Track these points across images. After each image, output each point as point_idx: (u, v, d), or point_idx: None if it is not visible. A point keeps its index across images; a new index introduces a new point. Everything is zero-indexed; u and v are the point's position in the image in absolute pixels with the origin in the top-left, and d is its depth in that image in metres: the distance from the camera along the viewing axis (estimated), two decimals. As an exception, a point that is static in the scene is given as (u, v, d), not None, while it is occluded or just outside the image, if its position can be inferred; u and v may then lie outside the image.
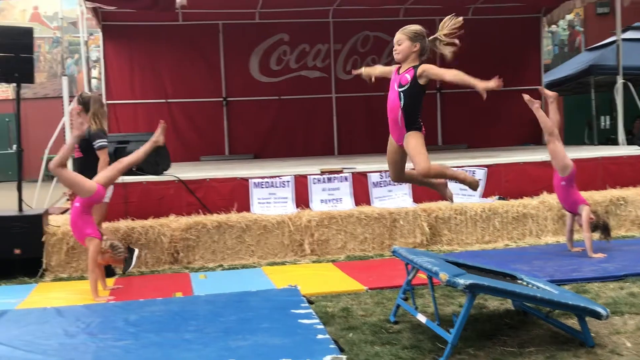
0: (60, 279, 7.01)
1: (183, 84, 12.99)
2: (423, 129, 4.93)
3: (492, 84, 4.49)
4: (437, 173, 5.03)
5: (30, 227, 7.08)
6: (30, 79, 7.67)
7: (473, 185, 5.27)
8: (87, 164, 6.68)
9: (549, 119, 7.12)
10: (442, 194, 5.44)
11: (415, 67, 4.71)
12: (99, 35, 13.24)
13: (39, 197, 9.15)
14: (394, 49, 4.84)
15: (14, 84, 7.72)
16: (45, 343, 4.23)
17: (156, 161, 8.17)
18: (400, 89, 4.75)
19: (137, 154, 6.28)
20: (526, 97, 7.13)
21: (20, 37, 7.49)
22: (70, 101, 8.76)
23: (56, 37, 23.83)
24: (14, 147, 22.05)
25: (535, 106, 7.09)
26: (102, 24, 12.49)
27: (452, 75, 4.68)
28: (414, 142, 4.85)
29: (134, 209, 7.82)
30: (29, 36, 7.59)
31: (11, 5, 24.11)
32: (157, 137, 6.24)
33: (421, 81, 4.73)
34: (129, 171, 7.89)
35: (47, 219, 7.52)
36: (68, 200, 9.25)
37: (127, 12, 11.62)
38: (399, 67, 4.87)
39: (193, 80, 12.98)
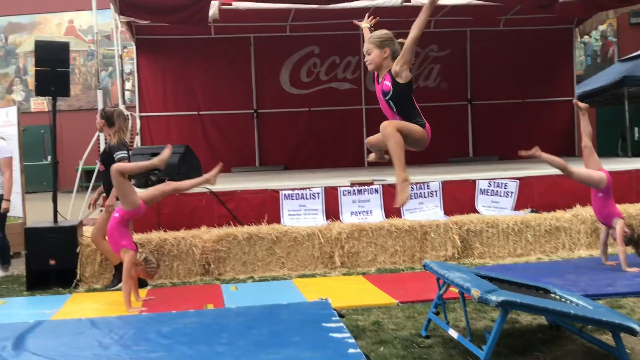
0: (94, 290, 7.10)
1: (214, 96, 13.12)
2: (427, 126, 4.81)
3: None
4: (388, 134, 4.71)
5: (65, 238, 7.20)
6: (66, 93, 7.82)
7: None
8: (110, 177, 6.77)
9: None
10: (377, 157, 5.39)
11: (390, 71, 4.65)
12: (132, 48, 13.44)
13: (74, 208, 9.29)
14: (365, 59, 4.80)
15: (50, 97, 7.88)
16: (80, 354, 4.28)
17: (188, 173, 8.26)
18: (386, 98, 4.72)
19: (185, 183, 6.36)
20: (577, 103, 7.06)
21: (57, 51, 7.64)
22: (105, 114, 8.89)
23: (90, 50, 24.23)
24: (49, 158, 22.49)
25: (583, 111, 7.00)
26: (135, 38, 12.68)
27: (410, 41, 4.57)
28: (410, 125, 4.70)
29: (166, 220, 7.91)
30: (66, 51, 7.75)
31: (47, 19, 24.61)
32: (212, 177, 6.30)
33: (401, 80, 4.65)
34: (161, 183, 8.04)
35: (82, 230, 7.64)
36: (101, 211, 9.38)
37: (160, 25, 11.79)
38: (377, 76, 4.82)
39: (224, 92, 13.10)
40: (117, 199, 6.46)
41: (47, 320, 5.47)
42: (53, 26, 24.60)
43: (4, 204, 7.68)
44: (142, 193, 6.26)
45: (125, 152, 6.80)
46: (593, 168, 6.87)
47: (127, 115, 7.04)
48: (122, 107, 10.74)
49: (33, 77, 7.68)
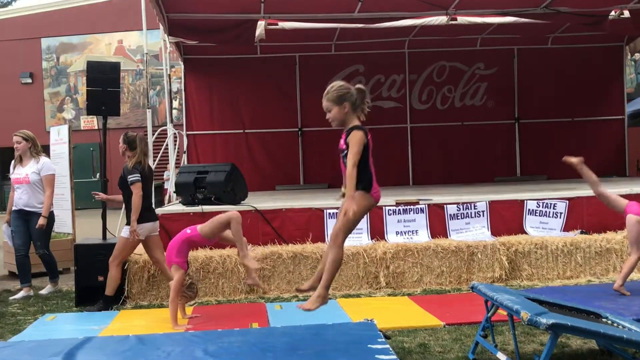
0: (141, 307, 7.18)
1: (260, 114, 13.25)
2: (374, 187, 4.66)
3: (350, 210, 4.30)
4: (335, 252, 4.59)
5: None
6: (116, 112, 7.98)
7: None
8: (128, 199, 6.87)
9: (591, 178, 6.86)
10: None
11: (348, 132, 4.50)
12: (180, 67, 13.68)
13: (122, 226, 9.41)
14: (327, 117, 4.67)
15: (100, 116, 8.05)
16: (128, 371, 4.33)
17: (233, 191, 8.33)
18: (342, 154, 4.61)
19: (236, 237, 6.33)
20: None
21: (108, 71, 7.81)
22: (154, 132, 9.05)
23: (139, 70, 24.76)
24: (98, 175, 22.96)
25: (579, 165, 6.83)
26: (183, 57, 12.91)
27: (349, 168, 4.42)
28: (350, 204, 4.48)
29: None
30: (116, 71, 7.92)
31: (98, 40, 25.25)
32: (255, 282, 6.37)
33: None
34: (208, 201, 8.12)
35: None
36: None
37: (208, 45, 11.97)
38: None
39: (269, 111, 13.23)
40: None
41: (95, 336, 5.55)
42: (103, 46, 25.23)
43: (40, 220, 7.77)
44: (206, 225, 6.36)
45: (138, 174, 6.81)
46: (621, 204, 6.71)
47: (147, 142, 7.10)
48: (169, 125, 10.90)
49: (83, 96, 7.89)
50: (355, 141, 4.42)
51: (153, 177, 7.30)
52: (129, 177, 6.79)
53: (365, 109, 4.73)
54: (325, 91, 4.65)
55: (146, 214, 6.86)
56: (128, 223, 6.85)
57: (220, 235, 6.43)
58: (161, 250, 7.05)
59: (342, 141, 4.54)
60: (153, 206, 7.23)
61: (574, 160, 6.66)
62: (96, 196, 7.49)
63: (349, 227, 4.57)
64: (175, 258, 6.20)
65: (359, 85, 4.73)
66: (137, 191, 6.75)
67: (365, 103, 4.72)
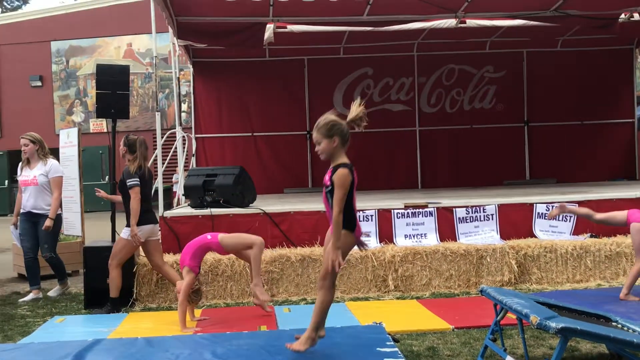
0: (149, 309, 7.19)
1: (268, 117, 13.26)
2: (357, 228, 4.62)
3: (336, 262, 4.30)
4: (324, 295, 4.57)
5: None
6: (125, 115, 8.00)
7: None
8: (127, 202, 6.91)
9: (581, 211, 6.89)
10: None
11: (335, 169, 4.47)
12: (189, 70, 13.71)
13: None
14: (316, 149, 4.63)
15: (109, 119, 8.07)
16: (136, 373, 4.33)
17: (242, 194, 8.33)
18: (326, 190, 4.57)
19: (254, 263, 6.37)
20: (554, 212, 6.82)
21: (117, 74, 7.83)
22: (163, 135, 9.07)
23: (148, 73, 24.84)
24: (107, 178, 23.03)
25: (569, 208, 6.81)
26: (192, 60, 12.94)
27: (335, 214, 4.40)
28: (336, 254, 4.46)
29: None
30: (126, 74, 7.94)
31: (107, 43, 25.35)
32: (261, 305, 6.43)
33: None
34: (216, 204, 8.13)
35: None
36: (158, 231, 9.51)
37: (217, 48, 11.99)
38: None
39: (278, 113, 13.24)
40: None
41: (104, 338, 5.56)
42: (112, 49, 25.33)
43: (47, 222, 7.79)
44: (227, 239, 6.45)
45: (137, 179, 6.85)
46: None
47: (147, 145, 7.15)
48: (178, 128, 10.93)
49: (93, 99, 7.92)
50: (341, 183, 4.38)
51: (153, 180, 7.31)
52: (129, 181, 6.84)
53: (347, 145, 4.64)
54: (317, 123, 4.63)
55: (145, 216, 6.91)
56: (128, 225, 6.90)
57: (239, 252, 6.51)
58: (160, 254, 7.09)
59: (327, 177, 4.50)
60: (153, 209, 7.23)
61: (556, 212, 6.74)
62: (97, 193, 7.56)
63: (335, 274, 4.54)
64: (188, 261, 6.23)
65: (349, 120, 4.66)
66: (134, 195, 6.81)
67: (348, 138, 4.63)
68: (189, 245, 6.38)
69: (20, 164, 8.24)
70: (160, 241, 7.33)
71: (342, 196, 4.37)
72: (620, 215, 6.69)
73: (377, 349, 4.69)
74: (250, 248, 6.38)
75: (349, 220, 4.49)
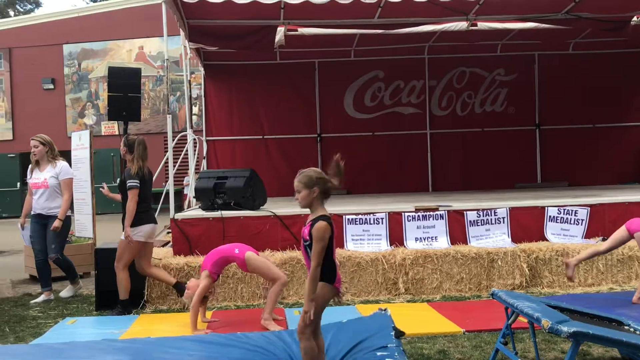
0: (160, 311, 7.21)
1: (279, 120, 13.25)
2: (337, 278, 4.52)
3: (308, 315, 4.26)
4: (305, 343, 4.44)
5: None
6: (137, 117, 8.06)
7: None
8: (126, 202, 6.97)
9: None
10: None
11: (313, 223, 4.41)
12: (200, 73, 13.74)
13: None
14: (294, 197, 4.61)
15: (121, 121, 8.11)
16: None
17: (253, 196, 8.34)
18: (305, 244, 4.51)
19: (271, 297, 6.34)
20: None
21: (129, 77, 7.90)
22: (174, 137, 9.09)
23: (159, 76, 24.93)
24: (118, 180, 23.10)
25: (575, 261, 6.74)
26: (203, 63, 12.97)
27: (313, 268, 4.33)
28: (310, 306, 4.36)
29: (232, 243, 7.97)
30: (137, 77, 8.00)
31: (119, 46, 25.47)
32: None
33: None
34: (227, 206, 8.14)
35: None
36: (168, 233, 9.54)
37: (228, 51, 12.01)
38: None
39: (288, 116, 13.23)
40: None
41: (116, 339, 5.58)
42: (124, 52, 25.44)
43: (55, 223, 7.81)
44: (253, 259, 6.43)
45: (137, 181, 6.91)
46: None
47: (146, 145, 7.20)
48: (189, 131, 10.96)
49: (104, 101, 7.97)
50: (320, 236, 4.33)
51: (153, 180, 7.32)
52: (129, 182, 6.90)
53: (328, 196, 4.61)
54: (299, 172, 4.64)
55: (145, 216, 6.99)
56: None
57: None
58: (149, 258, 7.17)
59: (305, 231, 4.45)
60: (152, 209, 7.28)
61: (570, 273, 6.67)
62: (102, 189, 7.61)
63: (314, 323, 4.52)
64: (210, 266, 6.27)
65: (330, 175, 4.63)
66: (132, 197, 6.88)
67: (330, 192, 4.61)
68: (215, 252, 6.40)
69: (29, 166, 8.27)
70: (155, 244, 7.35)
71: (321, 250, 4.33)
72: (620, 233, 6.68)
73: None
74: (272, 281, 6.35)
75: (329, 271, 4.43)
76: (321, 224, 4.34)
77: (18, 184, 25.03)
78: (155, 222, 7.17)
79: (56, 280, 8.45)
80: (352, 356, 4.62)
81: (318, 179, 4.54)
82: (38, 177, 8.03)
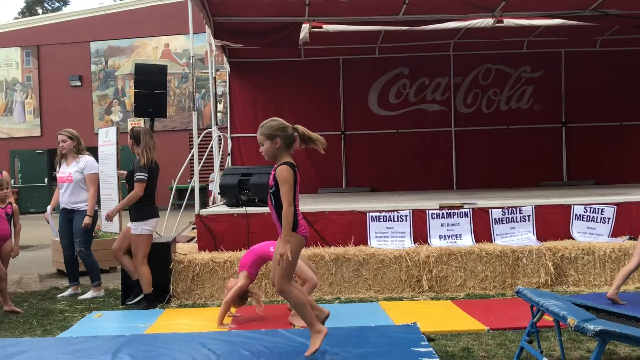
0: (185, 306, 7.28)
1: (303, 117, 13.20)
2: (300, 225, 4.52)
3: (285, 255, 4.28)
4: (290, 296, 4.51)
5: (159, 254, 7.40)
6: (163, 114, 8.12)
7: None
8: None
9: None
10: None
11: (276, 169, 4.43)
12: (225, 70, 13.80)
13: (167, 226, 9.56)
14: (259, 150, 4.64)
15: (147, 118, 8.17)
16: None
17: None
18: (270, 190, 4.53)
19: (308, 283, 6.30)
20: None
21: (155, 74, 7.96)
22: (199, 134, 9.16)
23: (185, 73, 25.10)
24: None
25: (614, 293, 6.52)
26: (229, 60, 13.03)
27: (285, 207, 4.35)
28: (285, 248, 4.42)
29: (256, 239, 7.96)
30: (164, 74, 8.06)
31: (145, 43, 25.69)
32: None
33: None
34: (251, 202, 8.18)
35: (175, 247, 7.85)
36: (193, 229, 9.62)
37: (252, 48, 12.05)
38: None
39: (312, 114, 13.20)
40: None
41: (141, 334, 5.64)
42: (150, 50, 25.66)
43: (85, 220, 7.84)
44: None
45: (145, 174, 7.01)
46: None
47: (153, 135, 7.30)
48: (214, 128, 11.03)
49: (131, 98, 8.06)
50: (283, 178, 4.37)
51: (159, 172, 7.38)
52: (137, 174, 7.01)
53: (294, 147, 4.70)
54: (260, 125, 4.68)
55: (152, 210, 7.16)
56: (133, 219, 7.10)
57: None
58: (127, 248, 7.28)
59: (270, 177, 4.49)
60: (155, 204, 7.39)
61: (614, 297, 6.47)
62: (119, 172, 7.92)
63: (289, 273, 4.49)
64: (249, 267, 6.28)
65: (296, 126, 4.73)
66: (138, 189, 7.04)
67: (294, 142, 4.68)
68: (252, 252, 6.41)
69: (56, 159, 8.32)
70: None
71: (288, 190, 4.37)
72: None
73: (412, 348, 4.68)
74: (303, 281, 6.35)
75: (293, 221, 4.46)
76: (283, 166, 4.43)
77: (46, 179, 25.36)
78: (158, 216, 7.29)
79: (84, 274, 8.55)
80: (388, 354, 4.61)
81: (279, 129, 4.59)
82: (64, 171, 8.10)
